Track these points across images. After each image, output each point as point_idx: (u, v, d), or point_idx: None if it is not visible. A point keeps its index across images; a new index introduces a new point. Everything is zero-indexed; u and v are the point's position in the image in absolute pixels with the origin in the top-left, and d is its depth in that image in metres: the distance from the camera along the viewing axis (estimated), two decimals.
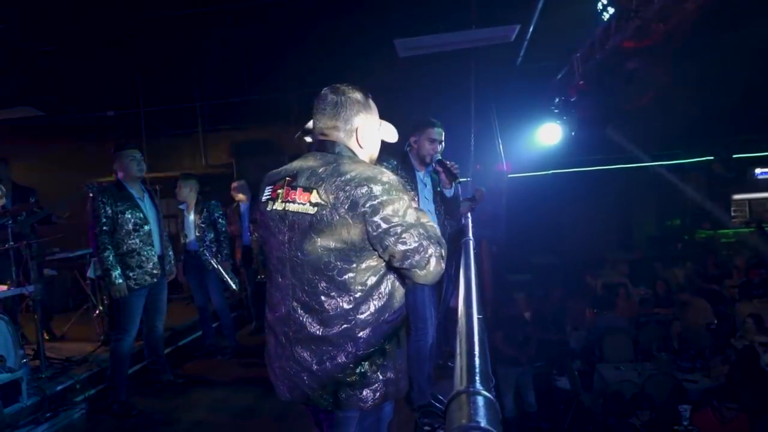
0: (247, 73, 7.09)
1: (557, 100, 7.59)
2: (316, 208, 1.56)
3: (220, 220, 4.92)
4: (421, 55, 6.83)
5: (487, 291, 6.70)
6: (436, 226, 1.65)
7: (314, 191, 1.58)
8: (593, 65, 7.06)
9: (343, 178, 1.55)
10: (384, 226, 1.53)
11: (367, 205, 1.52)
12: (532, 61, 7.31)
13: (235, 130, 7.94)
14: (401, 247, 1.53)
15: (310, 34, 6.81)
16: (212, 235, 4.84)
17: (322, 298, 1.59)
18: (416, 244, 1.54)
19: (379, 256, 1.59)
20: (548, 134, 7.78)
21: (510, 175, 7.64)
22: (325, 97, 1.70)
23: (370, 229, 1.53)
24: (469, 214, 3.56)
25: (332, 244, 1.56)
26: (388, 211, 1.52)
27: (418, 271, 1.55)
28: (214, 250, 4.84)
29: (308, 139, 1.83)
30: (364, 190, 1.52)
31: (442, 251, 1.60)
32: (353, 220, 1.53)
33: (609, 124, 7.74)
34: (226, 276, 4.94)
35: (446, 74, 7.37)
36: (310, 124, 1.76)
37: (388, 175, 1.58)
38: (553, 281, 7.71)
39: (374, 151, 1.78)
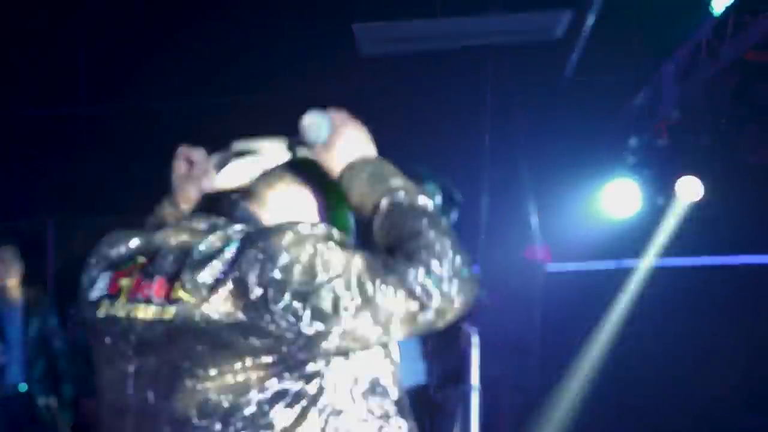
0: (87, 66, 4.89)
1: (633, 141, 5.72)
2: (176, 308, 1.08)
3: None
4: (401, 55, 5.08)
5: None
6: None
7: (180, 279, 1.09)
8: (695, 87, 5.27)
9: (225, 255, 1.07)
10: (308, 305, 1.01)
11: (263, 281, 1.01)
12: (592, 74, 5.62)
13: (54, 163, 5.39)
14: (365, 317, 1.00)
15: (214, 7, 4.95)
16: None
17: None
18: (383, 289, 1.01)
19: (307, 367, 1.07)
20: (618, 199, 5.74)
21: (549, 268, 5.74)
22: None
23: (285, 325, 1.00)
24: (473, 339, 2.97)
25: (212, 367, 1.06)
26: (298, 276, 1.01)
27: (427, 316, 1.03)
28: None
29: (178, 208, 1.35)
30: (251, 255, 1.03)
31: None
32: (247, 316, 1.02)
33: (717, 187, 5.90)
34: None
35: (444, 92, 5.68)
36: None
37: (290, 222, 1.09)
38: None
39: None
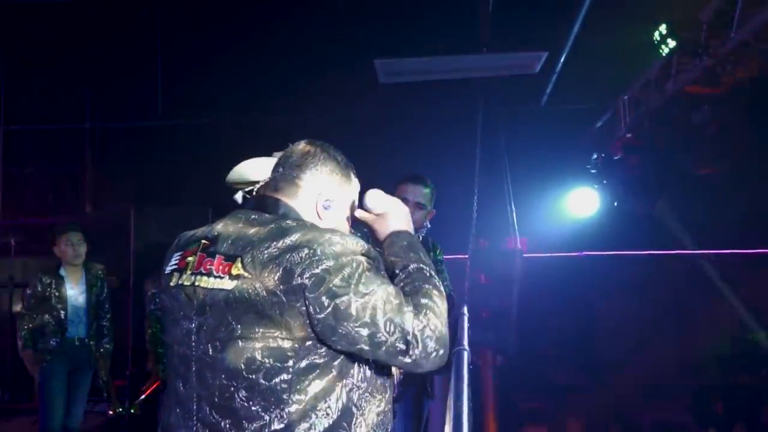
0: (163, 88, 5.43)
1: (595, 156, 6.29)
2: (235, 282, 1.19)
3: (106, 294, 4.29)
4: (411, 83, 5.57)
5: (489, 425, 5.31)
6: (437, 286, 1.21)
7: (238, 260, 1.21)
8: (646, 113, 5.91)
9: (279, 244, 1.19)
10: (332, 303, 1.13)
11: (306, 274, 1.13)
12: (563, 102, 6.23)
13: (139, 165, 6.04)
14: (364, 332, 1.11)
15: (261, 42, 5.43)
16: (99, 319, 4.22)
17: (241, 414, 1.17)
18: (387, 323, 1.11)
19: (331, 349, 1.17)
20: (581, 202, 6.39)
21: (526, 255, 6.09)
22: (289, 151, 1.41)
23: (312, 311, 1.13)
24: (465, 311, 3.05)
25: (258, 332, 1.16)
26: (336, 280, 1.13)
27: (405, 360, 1.13)
28: (96, 342, 4.17)
29: (238, 197, 1.62)
30: (304, 253, 1.15)
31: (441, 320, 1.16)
32: (287, 297, 1.15)
33: (663, 195, 6.26)
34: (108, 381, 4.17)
35: (444, 114, 6.26)
36: (244, 169, 1.58)
37: (340, 235, 1.20)
38: (585, 412, 5.96)
39: (339, 226, 1.36)
